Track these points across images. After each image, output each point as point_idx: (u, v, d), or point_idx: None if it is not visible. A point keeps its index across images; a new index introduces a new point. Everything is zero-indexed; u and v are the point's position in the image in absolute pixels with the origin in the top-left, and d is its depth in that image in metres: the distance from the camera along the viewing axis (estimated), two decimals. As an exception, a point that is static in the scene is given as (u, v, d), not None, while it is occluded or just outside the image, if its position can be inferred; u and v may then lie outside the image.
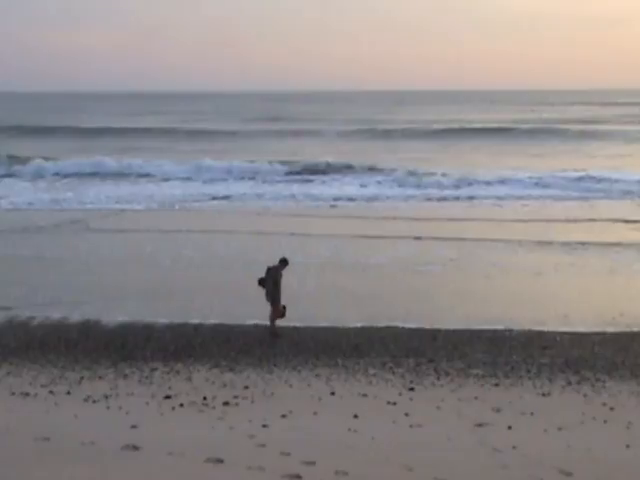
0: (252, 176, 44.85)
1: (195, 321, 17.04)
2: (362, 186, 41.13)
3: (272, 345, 15.47)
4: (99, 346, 15.47)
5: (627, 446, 10.39)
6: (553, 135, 68.41)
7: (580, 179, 41.22)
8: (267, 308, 16.25)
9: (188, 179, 44.41)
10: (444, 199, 36.88)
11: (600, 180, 40.68)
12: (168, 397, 12.53)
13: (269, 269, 16.45)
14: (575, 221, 30.03)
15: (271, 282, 16.24)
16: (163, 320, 17.08)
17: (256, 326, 16.63)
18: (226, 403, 12.23)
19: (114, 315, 17.37)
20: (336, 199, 36.77)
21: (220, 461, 9.06)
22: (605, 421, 11.56)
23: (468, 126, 76.78)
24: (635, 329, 16.39)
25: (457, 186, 40.10)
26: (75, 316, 17.37)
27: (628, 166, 46.48)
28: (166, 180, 44.10)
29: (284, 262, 16.54)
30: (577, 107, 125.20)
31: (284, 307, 16.29)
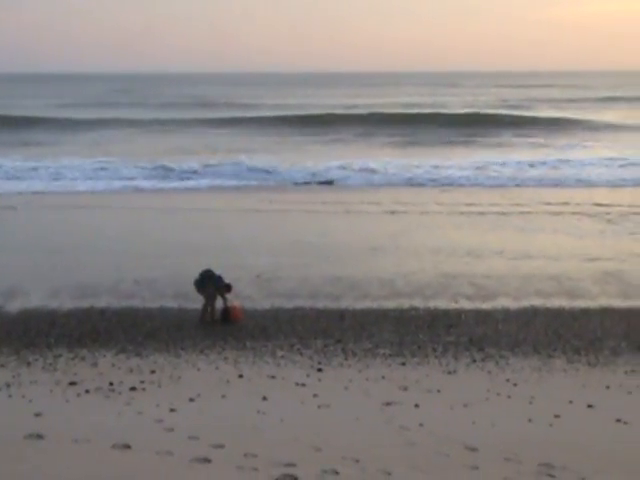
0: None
1: (100, 305, 16.76)
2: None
3: (180, 328, 15.32)
4: (0, 333, 15.07)
5: (529, 420, 10.65)
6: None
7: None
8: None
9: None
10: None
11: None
12: (73, 384, 12.30)
13: (210, 277, 16.07)
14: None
15: (211, 293, 15.89)
16: (67, 305, 16.76)
17: (162, 310, 16.47)
18: (133, 388, 12.07)
19: (15, 301, 16.96)
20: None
21: (127, 447, 8.93)
22: (509, 396, 11.82)
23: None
24: (537, 306, 16.79)
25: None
26: (-25, 303, 16.90)
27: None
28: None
29: (228, 287, 16.21)
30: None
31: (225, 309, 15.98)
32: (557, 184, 35.80)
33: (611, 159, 42.98)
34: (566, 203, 29.81)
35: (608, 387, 12.33)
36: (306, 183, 36.27)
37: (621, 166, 40.92)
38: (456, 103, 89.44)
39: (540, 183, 36.00)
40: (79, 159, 41.79)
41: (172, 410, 10.86)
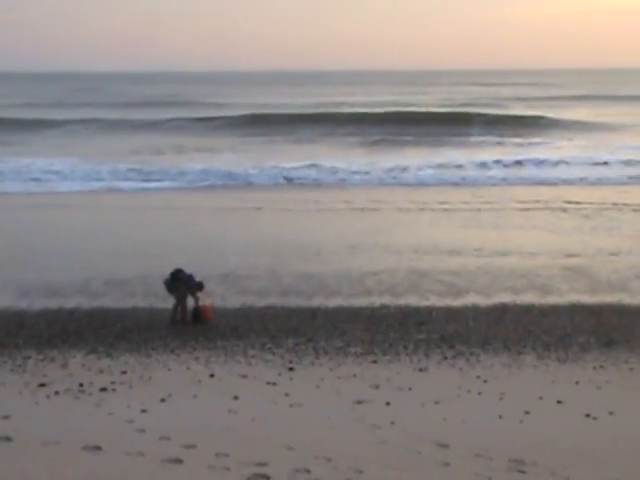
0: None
1: (70, 306, 16.65)
2: None
3: (150, 328, 15.25)
4: (-32, 335, 14.92)
5: (500, 416, 10.71)
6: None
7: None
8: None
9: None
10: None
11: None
12: (43, 385, 12.20)
13: (181, 277, 15.98)
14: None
15: (182, 292, 15.80)
16: (36, 306, 16.64)
17: (133, 310, 16.39)
18: (103, 389, 12.00)
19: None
20: None
21: (98, 448, 8.89)
22: (479, 393, 11.88)
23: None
24: (507, 303, 16.90)
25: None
26: (-58, 304, 16.72)
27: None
28: None
29: (200, 286, 16.13)
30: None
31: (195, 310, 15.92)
32: (526, 182, 36.01)
33: (581, 157, 43.34)
34: (536, 201, 30.01)
35: (577, 383, 12.42)
36: (275, 184, 36.13)
37: (594, 164, 41.30)
38: (421, 101, 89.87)
39: (508, 181, 36.18)
40: (44, 159, 41.33)
41: (143, 411, 10.82)
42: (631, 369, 13.12)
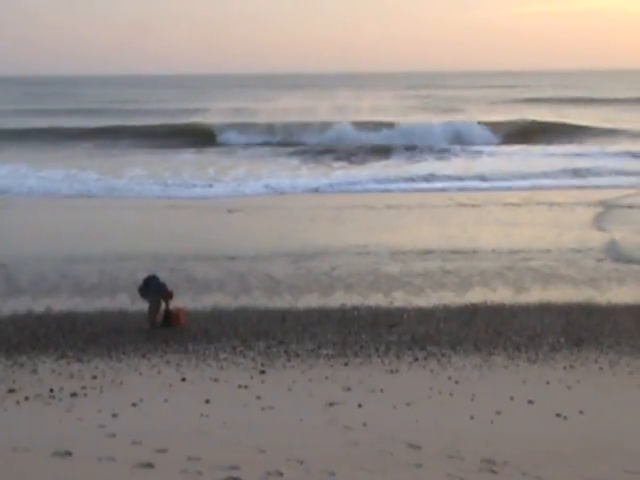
0: None
1: (39, 311, 16.52)
2: None
3: (121, 333, 15.15)
4: (-64, 341, 14.75)
5: (471, 417, 10.77)
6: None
7: None
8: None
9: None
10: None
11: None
12: (12, 391, 12.09)
13: (154, 284, 15.88)
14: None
15: (157, 301, 15.69)
16: (4, 311, 16.49)
17: (102, 314, 16.29)
18: (74, 394, 11.91)
19: (-49, 308, 16.64)
20: None
21: (68, 454, 8.83)
22: (451, 394, 11.93)
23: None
24: (478, 304, 16.98)
25: None
26: None
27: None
28: None
29: (170, 295, 15.87)
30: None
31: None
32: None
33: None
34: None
35: (548, 382, 12.51)
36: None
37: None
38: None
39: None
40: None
41: (114, 415, 10.76)
42: (600, 368, 13.23)
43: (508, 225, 25.71)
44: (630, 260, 20.86)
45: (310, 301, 17.30)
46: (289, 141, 52.60)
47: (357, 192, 33.91)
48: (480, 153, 46.99)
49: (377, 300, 17.35)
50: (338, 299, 17.41)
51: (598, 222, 25.85)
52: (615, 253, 21.60)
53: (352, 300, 17.31)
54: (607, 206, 29.12)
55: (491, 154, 46.62)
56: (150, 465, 8.52)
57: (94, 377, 12.79)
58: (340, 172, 39.83)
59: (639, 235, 24.00)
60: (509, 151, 48.06)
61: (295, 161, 44.61)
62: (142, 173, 38.30)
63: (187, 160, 44.56)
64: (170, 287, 15.99)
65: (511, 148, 49.54)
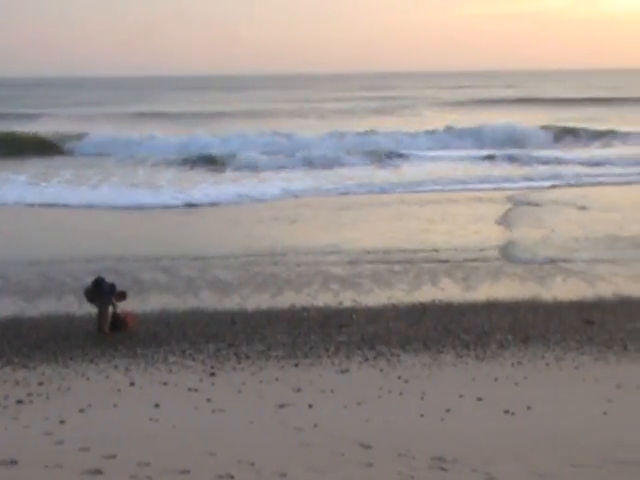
0: None
1: (-17, 318, 16.24)
2: None
3: (68, 338, 14.96)
4: None
5: (421, 415, 10.82)
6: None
7: None
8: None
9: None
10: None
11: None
12: (-44, 399, 11.87)
13: (102, 285, 15.60)
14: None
15: (104, 301, 15.48)
16: (-52, 318, 16.20)
17: (48, 319, 16.07)
18: (20, 401, 11.72)
19: None
20: None
21: (14, 463, 8.69)
22: (401, 393, 11.98)
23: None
24: (426, 303, 17.09)
25: None
26: None
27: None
28: None
29: (123, 295, 15.85)
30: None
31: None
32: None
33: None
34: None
35: (496, 379, 12.63)
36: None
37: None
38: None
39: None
40: None
41: (62, 422, 10.62)
42: (547, 364, 13.39)
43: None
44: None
45: (259, 302, 17.27)
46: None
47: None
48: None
49: (326, 300, 17.37)
50: (287, 300, 17.40)
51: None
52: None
53: (301, 301, 17.32)
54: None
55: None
56: (99, 471, 8.42)
57: (40, 383, 12.60)
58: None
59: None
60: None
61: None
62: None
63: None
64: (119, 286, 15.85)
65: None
